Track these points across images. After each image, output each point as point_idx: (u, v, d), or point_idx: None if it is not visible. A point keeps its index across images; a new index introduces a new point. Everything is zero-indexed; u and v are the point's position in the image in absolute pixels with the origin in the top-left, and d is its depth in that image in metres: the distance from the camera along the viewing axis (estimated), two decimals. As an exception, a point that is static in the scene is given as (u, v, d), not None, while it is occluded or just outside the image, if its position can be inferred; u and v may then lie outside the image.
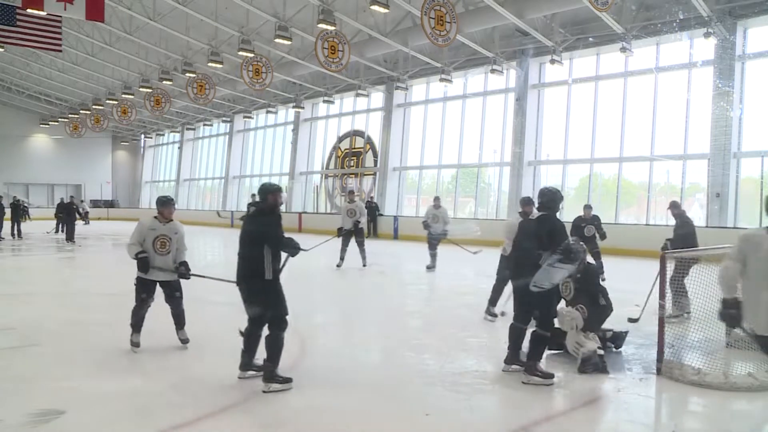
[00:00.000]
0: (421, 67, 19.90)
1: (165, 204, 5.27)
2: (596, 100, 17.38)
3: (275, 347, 4.20)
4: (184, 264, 5.17)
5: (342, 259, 11.37)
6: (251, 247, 4.21)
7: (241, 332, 4.43)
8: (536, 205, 4.79)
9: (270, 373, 4.16)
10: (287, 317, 4.28)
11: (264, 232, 4.19)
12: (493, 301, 6.78)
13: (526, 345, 4.66)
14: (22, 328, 6.12)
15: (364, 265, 11.40)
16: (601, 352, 4.90)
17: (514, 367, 4.65)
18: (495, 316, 6.63)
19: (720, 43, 14.10)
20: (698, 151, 15.04)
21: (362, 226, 11.53)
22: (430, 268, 11.29)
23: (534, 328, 4.56)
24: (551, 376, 4.42)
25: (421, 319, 7.15)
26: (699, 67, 15.05)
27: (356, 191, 24.60)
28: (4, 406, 3.83)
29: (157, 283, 5.19)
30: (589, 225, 9.59)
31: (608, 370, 4.69)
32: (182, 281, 5.24)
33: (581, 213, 9.88)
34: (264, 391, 4.08)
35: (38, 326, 6.23)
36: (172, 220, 5.27)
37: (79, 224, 20.53)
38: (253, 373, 4.38)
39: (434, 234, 11.24)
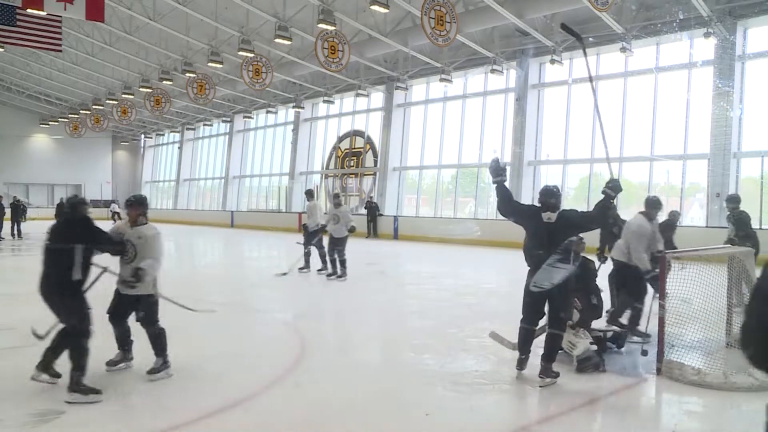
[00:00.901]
0: (421, 67, 19.91)
1: (126, 205, 4.67)
2: (596, 100, 17.34)
3: (78, 354, 3.98)
4: (139, 269, 4.35)
5: (306, 262, 10.54)
6: (59, 255, 4.06)
7: (36, 334, 4.34)
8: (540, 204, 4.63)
9: (75, 383, 3.90)
10: (90, 328, 4.14)
11: (77, 235, 4.10)
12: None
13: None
14: (22, 328, 6.10)
15: (319, 270, 10.38)
16: (594, 347, 4.90)
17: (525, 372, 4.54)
18: (647, 336, 5.36)
19: (720, 43, 14.11)
20: (698, 151, 15.04)
21: (314, 228, 10.39)
22: (331, 275, 9.93)
23: (549, 330, 4.48)
24: (558, 374, 4.42)
25: (421, 319, 7.14)
26: (699, 67, 15.06)
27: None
28: (4, 406, 3.83)
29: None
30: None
31: (606, 369, 4.68)
32: (159, 300, 4.56)
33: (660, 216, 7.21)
34: (67, 401, 3.82)
35: (38, 326, 6.21)
36: (140, 224, 4.56)
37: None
38: (47, 377, 4.14)
39: (335, 237, 9.88)
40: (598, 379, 4.55)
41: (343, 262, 9.85)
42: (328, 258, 10.04)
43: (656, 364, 4.64)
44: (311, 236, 10.49)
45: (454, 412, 3.87)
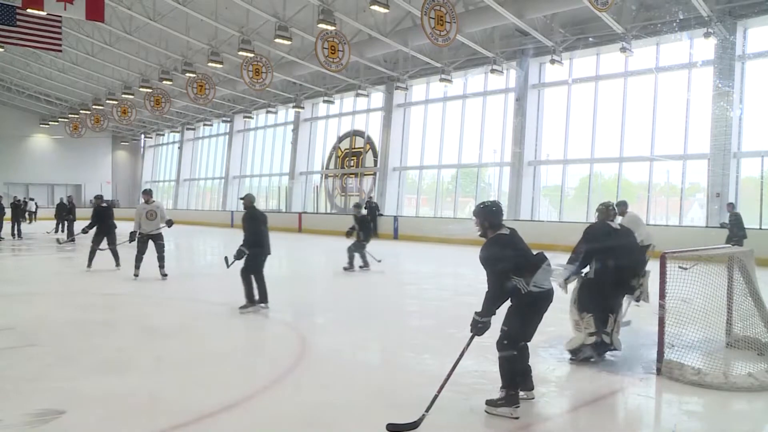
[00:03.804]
0: (421, 67, 19.91)
1: None
2: (596, 100, 17.39)
3: None
4: None
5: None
6: None
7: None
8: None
9: None
10: None
11: None
12: None
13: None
14: (22, 328, 6.12)
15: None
16: (592, 340, 4.85)
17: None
18: None
19: (720, 43, 14.11)
20: (698, 151, 15.05)
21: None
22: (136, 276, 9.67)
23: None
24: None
25: (421, 319, 7.14)
26: (699, 67, 15.06)
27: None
28: (4, 406, 3.82)
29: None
30: None
31: (597, 360, 4.77)
32: None
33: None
34: None
35: (38, 326, 6.23)
36: None
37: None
38: None
39: (147, 234, 9.63)
40: (598, 379, 4.55)
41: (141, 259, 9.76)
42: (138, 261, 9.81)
43: (656, 364, 4.64)
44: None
45: (454, 412, 3.87)
